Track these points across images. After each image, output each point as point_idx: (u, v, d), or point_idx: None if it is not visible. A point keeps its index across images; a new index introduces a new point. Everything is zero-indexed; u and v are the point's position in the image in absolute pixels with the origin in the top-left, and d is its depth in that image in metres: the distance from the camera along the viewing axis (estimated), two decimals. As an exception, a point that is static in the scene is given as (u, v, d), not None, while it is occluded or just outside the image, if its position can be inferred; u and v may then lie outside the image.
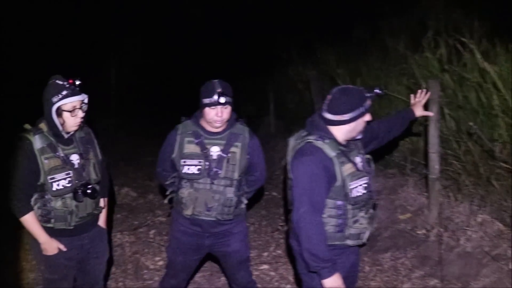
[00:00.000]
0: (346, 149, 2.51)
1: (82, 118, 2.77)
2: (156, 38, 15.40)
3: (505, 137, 3.93)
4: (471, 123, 3.95)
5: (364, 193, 2.49)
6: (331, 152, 2.41)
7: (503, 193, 3.89)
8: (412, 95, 3.25)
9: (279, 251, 4.78)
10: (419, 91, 3.21)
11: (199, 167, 2.93)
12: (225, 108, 2.89)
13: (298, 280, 3.01)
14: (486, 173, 4.07)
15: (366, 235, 2.59)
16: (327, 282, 2.40)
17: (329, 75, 7.04)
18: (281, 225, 5.37)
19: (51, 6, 10.98)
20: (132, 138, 10.24)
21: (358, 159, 2.55)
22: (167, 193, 3.20)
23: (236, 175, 2.98)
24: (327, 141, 2.43)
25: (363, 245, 2.65)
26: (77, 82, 2.69)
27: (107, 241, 3.18)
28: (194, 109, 3.12)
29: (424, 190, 4.59)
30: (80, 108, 2.74)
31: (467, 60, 4.51)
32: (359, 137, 2.56)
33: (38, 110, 2.76)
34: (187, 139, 2.97)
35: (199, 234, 3.08)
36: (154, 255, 4.68)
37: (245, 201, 3.14)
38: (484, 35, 4.89)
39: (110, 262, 3.25)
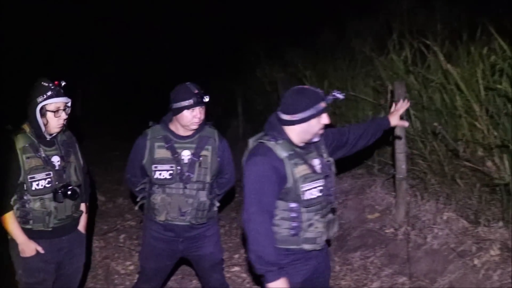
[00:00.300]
0: (302, 150, 2.45)
1: (64, 120, 2.79)
2: (121, 41, 15.23)
3: (468, 137, 4.05)
4: (435, 124, 4.05)
5: (318, 196, 2.43)
6: (283, 153, 2.36)
7: (467, 191, 4.02)
8: (394, 104, 3.11)
9: (250, 253, 4.79)
10: (401, 101, 3.04)
11: (171, 171, 2.92)
12: (202, 108, 2.91)
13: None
14: (451, 172, 4.18)
15: (322, 239, 2.50)
16: (271, 286, 2.33)
17: (297, 77, 7.10)
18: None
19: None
20: (99, 142, 10.09)
21: (316, 162, 2.50)
22: (138, 199, 3.16)
23: (208, 179, 2.99)
24: (280, 141, 2.39)
25: (321, 249, 2.55)
26: (63, 84, 2.73)
27: (85, 247, 3.15)
28: (162, 113, 3.10)
29: (391, 189, 4.69)
30: (64, 110, 2.77)
31: (431, 62, 4.63)
32: (315, 139, 2.48)
33: (23, 112, 2.78)
34: (157, 144, 2.95)
35: (173, 240, 3.05)
36: (125, 260, 4.63)
37: (217, 204, 3.15)
38: (447, 38, 5.03)
39: (86, 268, 3.19)
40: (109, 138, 10.31)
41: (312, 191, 2.41)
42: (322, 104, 2.39)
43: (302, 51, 7.76)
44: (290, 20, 9.06)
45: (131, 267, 4.48)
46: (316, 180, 2.43)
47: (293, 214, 2.42)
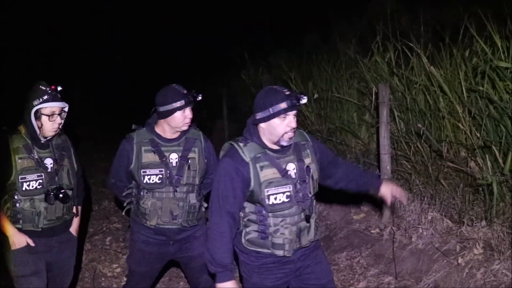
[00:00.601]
0: (275, 154, 2.43)
1: (59, 124, 2.82)
2: (103, 44, 15.16)
3: (451, 138, 4.12)
4: (419, 125, 4.12)
5: (285, 202, 2.39)
6: (249, 155, 2.37)
7: (451, 191, 4.08)
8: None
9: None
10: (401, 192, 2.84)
11: (160, 176, 2.89)
12: (191, 108, 2.91)
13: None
14: (435, 173, 4.24)
15: (292, 247, 2.44)
16: (219, 286, 2.37)
17: (282, 79, 7.14)
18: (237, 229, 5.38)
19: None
20: (84, 144, 10.01)
21: (291, 166, 2.45)
22: (125, 204, 3.11)
23: (197, 180, 3.00)
24: (249, 143, 2.41)
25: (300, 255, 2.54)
26: (59, 89, 2.75)
27: (75, 249, 3.15)
28: (146, 116, 3.08)
29: (377, 190, 4.73)
30: (59, 114, 2.80)
31: (414, 64, 4.70)
32: (284, 143, 2.41)
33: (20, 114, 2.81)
34: (144, 148, 2.91)
35: (164, 243, 3.04)
36: (112, 262, 4.62)
37: (205, 205, 3.14)
38: (430, 40, 5.10)
39: (74, 270, 3.19)
40: (93, 141, 10.23)
41: (278, 196, 2.38)
42: (282, 105, 2.32)
43: (286, 53, 7.82)
44: (275, 22, 9.11)
45: (118, 270, 4.47)
46: (284, 185, 2.39)
47: (260, 218, 2.43)
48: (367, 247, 4.30)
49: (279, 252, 2.43)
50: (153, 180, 2.90)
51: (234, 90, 9.03)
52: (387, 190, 2.76)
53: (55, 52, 12.47)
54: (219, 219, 2.38)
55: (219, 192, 2.39)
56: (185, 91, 2.87)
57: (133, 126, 3.02)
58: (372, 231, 4.42)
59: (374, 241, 4.32)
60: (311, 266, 2.60)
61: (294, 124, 2.38)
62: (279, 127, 2.36)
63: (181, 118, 2.87)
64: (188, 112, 2.88)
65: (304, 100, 2.37)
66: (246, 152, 2.38)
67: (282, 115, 2.34)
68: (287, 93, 2.36)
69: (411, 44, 4.69)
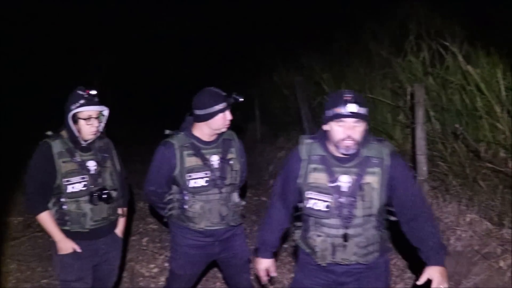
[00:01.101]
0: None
1: (97, 127, 2.89)
2: (138, 46, 15.36)
3: (489, 138, 4.04)
4: (457, 125, 4.06)
5: (323, 211, 2.38)
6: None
7: (490, 193, 4.00)
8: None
9: (272, 256, 4.83)
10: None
11: (206, 178, 2.92)
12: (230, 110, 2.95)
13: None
14: (473, 174, 4.17)
15: (322, 256, 2.46)
16: (256, 260, 2.78)
17: (314, 80, 7.14)
18: (272, 230, 5.40)
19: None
20: (117, 147, 10.18)
21: (344, 178, 2.38)
22: (166, 210, 3.09)
23: (238, 180, 3.06)
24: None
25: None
26: (93, 93, 2.82)
27: (121, 250, 3.23)
28: (179, 119, 3.12)
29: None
30: (96, 118, 2.87)
31: (449, 63, 4.63)
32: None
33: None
34: (186, 152, 2.92)
35: (210, 244, 3.06)
36: (149, 263, 4.69)
37: (243, 202, 3.19)
38: (466, 39, 5.02)
39: (121, 270, 3.30)
40: (124, 143, 10.35)
41: (318, 202, 2.40)
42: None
43: (318, 54, 7.80)
44: (306, 23, 9.08)
45: (155, 270, 4.54)
46: (326, 194, 2.38)
47: (304, 218, 2.55)
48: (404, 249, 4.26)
49: (317, 260, 2.47)
50: (199, 184, 2.91)
51: (266, 91, 9.06)
52: (432, 275, 2.39)
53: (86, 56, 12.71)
54: (273, 203, 2.70)
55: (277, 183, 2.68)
56: (225, 94, 2.91)
57: (167, 132, 3.02)
58: (409, 233, 4.37)
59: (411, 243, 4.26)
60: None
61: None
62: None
63: (222, 120, 2.91)
64: (228, 114, 2.92)
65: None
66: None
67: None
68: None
69: (446, 43, 4.63)
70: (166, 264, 4.30)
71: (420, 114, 4.19)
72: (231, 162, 3.00)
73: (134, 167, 7.97)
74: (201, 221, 2.95)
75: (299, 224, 2.62)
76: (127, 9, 14.05)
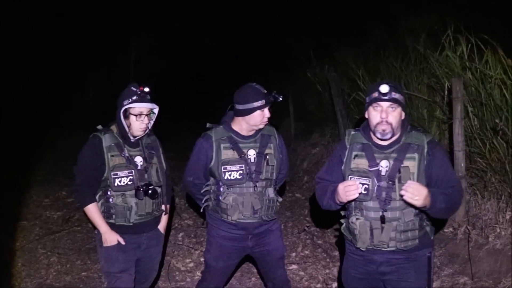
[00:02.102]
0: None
1: (146, 124, 2.96)
2: (172, 41, 15.50)
3: (531, 134, 3.94)
4: (497, 121, 3.96)
5: (363, 194, 2.49)
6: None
7: (531, 190, 3.91)
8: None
9: (306, 252, 4.84)
10: None
11: (241, 171, 2.97)
12: (269, 107, 2.98)
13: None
14: (513, 170, 4.08)
15: (361, 241, 2.57)
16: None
17: (349, 76, 7.07)
18: (307, 226, 5.42)
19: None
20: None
21: (384, 163, 2.51)
22: (203, 201, 3.19)
23: (274, 175, 3.06)
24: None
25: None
26: (146, 90, 2.89)
27: (162, 246, 3.30)
28: (216, 115, 3.16)
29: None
30: (147, 115, 2.93)
31: (489, 57, 4.52)
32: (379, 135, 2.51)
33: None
34: (223, 145, 3.00)
35: (243, 237, 3.11)
36: (184, 257, 4.76)
37: (280, 199, 3.21)
38: (506, 33, 4.89)
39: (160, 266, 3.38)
40: (160, 140, 10.51)
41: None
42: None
43: (353, 49, 7.71)
44: (341, 18, 9.00)
45: (191, 264, 4.61)
46: (365, 177, 2.51)
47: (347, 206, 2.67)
48: (440, 246, 4.20)
49: (357, 244, 2.58)
50: (233, 176, 2.97)
51: (300, 88, 9.02)
52: (411, 186, 2.45)
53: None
54: (318, 183, 2.82)
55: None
56: (265, 91, 2.94)
57: (208, 125, 3.11)
58: (446, 230, 4.31)
59: (447, 240, 4.21)
60: (395, 281, 2.61)
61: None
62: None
63: (260, 117, 2.94)
64: (266, 112, 2.95)
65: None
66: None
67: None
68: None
69: (486, 37, 4.52)
70: (202, 259, 4.36)
71: (458, 109, 4.12)
72: (267, 157, 3.02)
73: (169, 164, 8.13)
74: (233, 213, 3.01)
75: (343, 213, 2.73)
76: (168, 4, 14.21)
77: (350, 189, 2.46)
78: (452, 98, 4.16)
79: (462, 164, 4.15)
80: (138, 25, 13.53)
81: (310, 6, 10.34)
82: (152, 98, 2.95)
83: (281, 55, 10.55)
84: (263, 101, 2.91)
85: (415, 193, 2.33)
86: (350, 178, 2.54)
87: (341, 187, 2.50)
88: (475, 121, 4.57)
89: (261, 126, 3.01)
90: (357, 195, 2.46)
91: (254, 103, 2.91)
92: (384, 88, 2.40)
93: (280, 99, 2.95)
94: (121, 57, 12.32)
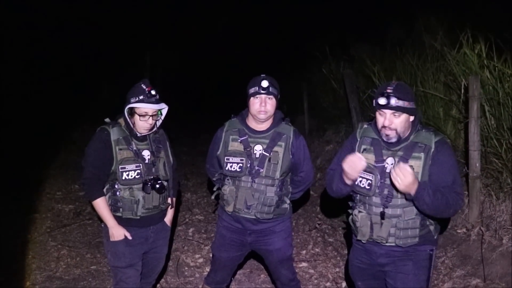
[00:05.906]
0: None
1: (151, 124, 2.94)
2: (189, 38, 15.50)
3: (548, 134, 3.85)
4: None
5: (366, 188, 2.58)
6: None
7: (547, 192, 3.82)
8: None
9: (317, 249, 4.80)
10: None
11: (241, 164, 2.99)
12: (269, 98, 2.95)
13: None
14: (529, 171, 3.99)
15: (361, 233, 2.66)
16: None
17: (364, 73, 7.00)
18: (318, 224, 5.38)
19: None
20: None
21: (390, 160, 2.57)
22: (214, 189, 3.28)
23: (277, 175, 3.00)
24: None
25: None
26: (153, 92, 2.86)
27: (168, 239, 3.30)
28: (230, 110, 3.16)
29: (464, 188, 4.53)
30: (152, 116, 2.91)
31: (508, 56, 4.43)
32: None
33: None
34: (232, 136, 3.05)
35: (241, 231, 3.13)
36: (194, 253, 4.75)
37: (288, 201, 3.15)
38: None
39: (167, 260, 3.39)
40: (174, 134, 10.54)
41: (362, 180, 2.60)
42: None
43: (369, 46, 7.63)
44: (356, 14, 8.92)
45: (200, 260, 4.60)
46: (369, 173, 2.58)
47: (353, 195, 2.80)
48: (453, 247, 4.14)
49: (358, 235, 2.68)
50: (234, 168, 3.01)
51: (315, 84, 8.97)
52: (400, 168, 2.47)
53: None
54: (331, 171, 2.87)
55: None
56: (263, 80, 2.91)
57: (232, 116, 3.18)
58: (459, 231, 4.24)
59: (460, 241, 4.14)
60: (392, 272, 2.66)
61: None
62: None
63: (256, 105, 2.95)
64: (262, 100, 2.94)
65: None
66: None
67: None
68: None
69: (505, 34, 4.42)
70: (211, 254, 4.34)
71: (474, 108, 4.04)
72: (271, 154, 2.99)
73: (181, 159, 8.13)
74: (229, 204, 3.06)
75: (351, 204, 2.79)
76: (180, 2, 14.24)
77: (355, 162, 2.51)
78: (469, 97, 4.08)
79: (477, 164, 4.08)
80: (153, 28, 13.58)
81: (327, 2, 10.26)
82: (167, 94, 2.93)
83: (296, 51, 10.49)
84: (256, 88, 2.93)
85: (400, 175, 2.34)
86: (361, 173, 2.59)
87: (346, 165, 2.53)
88: (491, 120, 4.48)
89: (260, 116, 2.97)
90: (364, 165, 2.51)
91: (250, 90, 2.97)
92: (389, 100, 2.43)
93: (270, 89, 2.92)
94: (137, 59, 12.40)
